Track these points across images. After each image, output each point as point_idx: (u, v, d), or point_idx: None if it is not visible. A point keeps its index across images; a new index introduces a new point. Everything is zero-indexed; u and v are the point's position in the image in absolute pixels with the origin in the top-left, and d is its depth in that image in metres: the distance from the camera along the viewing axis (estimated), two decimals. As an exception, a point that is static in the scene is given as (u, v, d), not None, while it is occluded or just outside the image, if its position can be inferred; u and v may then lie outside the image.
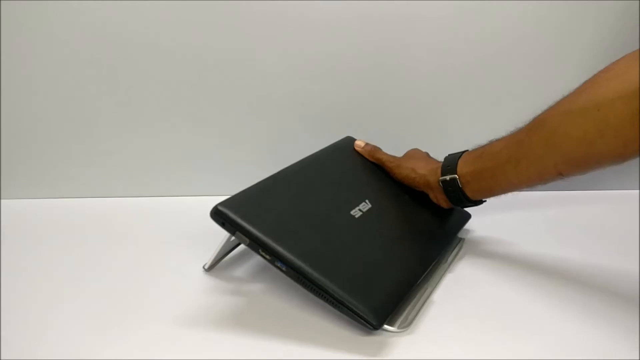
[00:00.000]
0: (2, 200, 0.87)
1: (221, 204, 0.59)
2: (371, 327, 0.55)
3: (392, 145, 0.85)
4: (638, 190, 0.87)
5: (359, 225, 0.65)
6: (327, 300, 0.56)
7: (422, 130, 0.87)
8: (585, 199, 0.86)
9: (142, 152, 0.87)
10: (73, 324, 0.59)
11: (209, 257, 0.67)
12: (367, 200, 0.68)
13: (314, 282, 0.56)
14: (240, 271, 0.68)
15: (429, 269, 0.65)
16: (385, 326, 0.56)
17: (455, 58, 0.83)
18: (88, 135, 0.86)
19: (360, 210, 0.67)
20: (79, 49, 0.81)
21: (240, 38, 0.81)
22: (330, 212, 0.65)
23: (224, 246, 0.65)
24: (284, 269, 0.57)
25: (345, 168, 0.75)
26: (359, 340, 0.56)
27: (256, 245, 0.58)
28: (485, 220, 0.76)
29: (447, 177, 0.66)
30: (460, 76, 0.84)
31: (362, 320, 0.55)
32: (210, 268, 0.67)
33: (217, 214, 0.59)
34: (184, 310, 0.61)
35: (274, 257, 0.57)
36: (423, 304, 0.60)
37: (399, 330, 0.56)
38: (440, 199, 0.69)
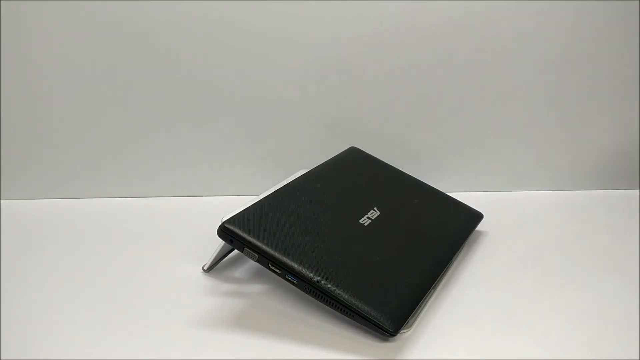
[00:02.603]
0: (2, 200, 0.87)
1: (228, 221, 0.59)
2: (388, 334, 0.55)
3: (395, 151, 0.85)
4: (638, 190, 0.87)
5: (368, 233, 0.65)
6: (341, 311, 0.56)
7: (425, 137, 0.87)
8: (585, 199, 0.86)
9: (142, 152, 0.87)
10: (72, 325, 0.59)
11: (208, 258, 0.67)
12: (375, 208, 0.68)
13: (327, 293, 0.56)
14: (240, 272, 0.68)
15: (443, 272, 0.65)
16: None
17: (458, 65, 0.83)
18: (88, 135, 0.86)
19: (369, 218, 0.67)
20: (80, 49, 0.81)
21: (243, 39, 0.81)
22: (339, 222, 0.65)
23: (223, 247, 0.65)
24: (295, 282, 0.57)
25: (351, 178, 0.75)
26: (360, 341, 0.56)
27: (266, 260, 0.58)
28: (488, 221, 0.76)
29: None
30: (463, 82, 0.84)
31: (378, 328, 0.55)
32: (210, 269, 0.67)
33: (225, 232, 0.59)
34: (183, 311, 0.61)
35: (284, 271, 0.57)
36: (427, 305, 0.61)
37: (402, 332, 0.56)
38: None
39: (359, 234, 0.64)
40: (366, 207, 0.68)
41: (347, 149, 0.80)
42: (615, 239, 0.74)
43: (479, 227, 0.75)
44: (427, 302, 0.61)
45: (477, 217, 0.76)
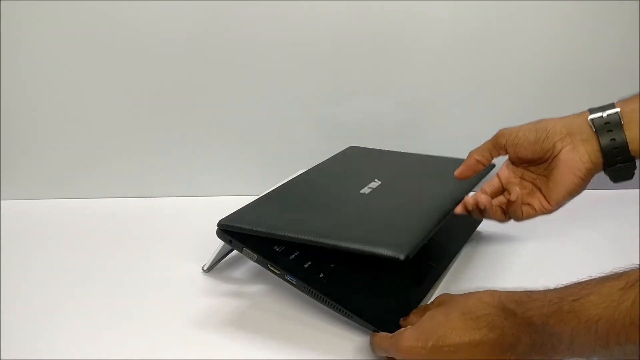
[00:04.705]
0: (2, 201, 0.87)
1: (224, 219, 0.59)
2: (399, 259, 0.49)
3: (395, 147, 0.85)
4: (638, 190, 0.87)
5: (369, 197, 0.63)
6: (339, 311, 0.56)
7: (425, 137, 0.87)
8: (585, 199, 0.86)
9: (142, 153, 0.87)
10: (72, 324, 0.59)
11: (208, 258, 0.67)
12: (376, 179, 0.67)
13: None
14: (240, 272, 0.68)
15: (450, 212, 0.61)
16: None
17: (458, 64, 0.83)
18: (88, 136, 0.86)
19: (370, 187, 0.65)
20: (79, 49, 0.81)
21: (243, 39, 0.81)
22: (338, 194, 0.64)
23: (223, 247, 0.65)
24: (294, 282, 0.57)
25: (351, 167, 0.75)
26: (360, 341, 0.56)
27: (265, 260, 0.58)
28: (488, 221, 0.76)
29: (604, 114, 0.55)
30: (463, 82, 0.84)
31: (387, 256, 0.49)
32: (210, 269, 0.67)
33: (223, 231, 0.59)
34: (183, 311, 0.61)
35: (283, 271, 0.57)
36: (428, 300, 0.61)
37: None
38: (576, 159, 0.56)
39: (359, 200, 0.63)
40: (367, 179, 0.67)
41: (347, 148, 0.80)
42: (615, 239, 0.74)
43: (479, 228, 0.75)
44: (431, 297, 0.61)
45: (476, 219, 0.75)
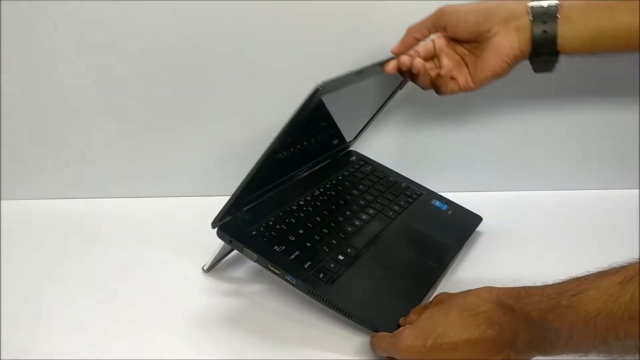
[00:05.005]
0: (2, 201, 0.87)
1: (216, 217, 0.60)
2: (318, 89, 0.55)
3: (394, 151, 0.85)
4: (638, 190, 0.87)
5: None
6: (338, 310, 0.56)
7: (425, 136, 0.87)
8: (585, 199, 0.86)
9: (141, 152, 0.87)
10: (72, 325, 0.59)
11: (208, 258, 0.67)
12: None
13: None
14: (240, 272, 0.68)
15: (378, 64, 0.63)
16: None
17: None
18: (87, 136, 0.86)
19: None
20: (78, 50, 0.81)
21: (238, 37, 0.81)
22: None
23: (223, 247, 0.65)
24: (294, 282, 0.57)
25: None
26: (360, 340, 0.56)
27: (265, 260, 0.58)
28: (488, 222, 0.76)
29: (545, 4, 0.58)
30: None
31: (311, 96, 0.55)
32: (210, 269, 0.67)
33: (222, 230, 0.60)
34: (183, 311, 0.61)
35: (283, 271, 0.58)
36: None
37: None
38: (506, 45, 0.59)
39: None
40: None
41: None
42: (615, 239, 0.74)
43: (479, 228, 0.75)
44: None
45: (476, 219, 0.76)
